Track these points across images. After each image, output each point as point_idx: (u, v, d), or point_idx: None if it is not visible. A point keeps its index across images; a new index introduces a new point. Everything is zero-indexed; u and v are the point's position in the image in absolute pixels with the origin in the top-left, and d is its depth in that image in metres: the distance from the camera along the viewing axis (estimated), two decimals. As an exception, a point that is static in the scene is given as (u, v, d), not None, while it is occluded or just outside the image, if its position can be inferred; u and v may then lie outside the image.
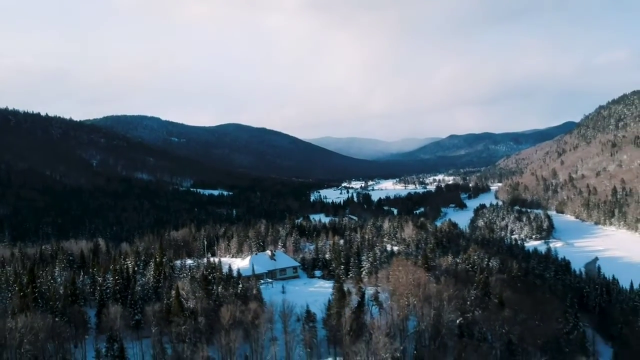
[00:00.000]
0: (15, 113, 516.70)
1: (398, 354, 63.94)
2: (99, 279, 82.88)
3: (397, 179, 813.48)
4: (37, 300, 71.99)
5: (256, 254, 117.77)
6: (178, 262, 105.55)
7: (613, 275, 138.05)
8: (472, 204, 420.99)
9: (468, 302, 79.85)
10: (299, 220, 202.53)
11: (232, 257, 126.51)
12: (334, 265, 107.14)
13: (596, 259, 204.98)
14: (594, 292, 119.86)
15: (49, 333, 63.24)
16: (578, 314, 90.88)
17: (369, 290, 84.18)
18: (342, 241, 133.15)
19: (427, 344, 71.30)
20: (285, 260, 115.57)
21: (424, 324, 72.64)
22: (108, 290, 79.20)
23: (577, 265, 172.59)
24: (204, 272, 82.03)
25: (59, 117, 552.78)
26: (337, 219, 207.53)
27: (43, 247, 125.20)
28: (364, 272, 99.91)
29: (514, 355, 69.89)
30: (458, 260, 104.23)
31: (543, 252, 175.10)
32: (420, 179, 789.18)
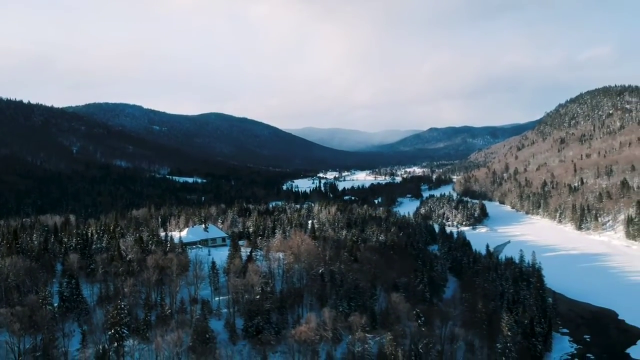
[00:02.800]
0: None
1: (268, 288, 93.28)
2: (65, 239, 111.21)
3: (371, 170, 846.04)
4: (19, 252, 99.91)
5: (193, 226, 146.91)
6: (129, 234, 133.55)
7: (493, 251, 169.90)
8: (431, 194, 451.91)
9: (338, 260, 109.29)
10: (253, 205, 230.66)
11: (180, 231, 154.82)
12: (253, 236, 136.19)
13: (508, 241, 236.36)
14: (467, 261, 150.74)
15: (27, 272, 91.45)
16: (425, 272, 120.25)
17: (264, 251, 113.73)
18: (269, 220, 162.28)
19: (297, 285, 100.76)
20: (216, 232, 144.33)
21: (296, 272, 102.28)
22: (71, 247, 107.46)
23: (493, 247, 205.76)
24: (140, 234, 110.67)
25: (41, 104, 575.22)
26: (280, 204, 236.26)
27: (24, 220, 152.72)
28: (276, 240, 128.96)
29: (360, 294, 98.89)
30: (349, 234, 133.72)
31: (456, 235, 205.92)
32: (392, 171, 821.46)
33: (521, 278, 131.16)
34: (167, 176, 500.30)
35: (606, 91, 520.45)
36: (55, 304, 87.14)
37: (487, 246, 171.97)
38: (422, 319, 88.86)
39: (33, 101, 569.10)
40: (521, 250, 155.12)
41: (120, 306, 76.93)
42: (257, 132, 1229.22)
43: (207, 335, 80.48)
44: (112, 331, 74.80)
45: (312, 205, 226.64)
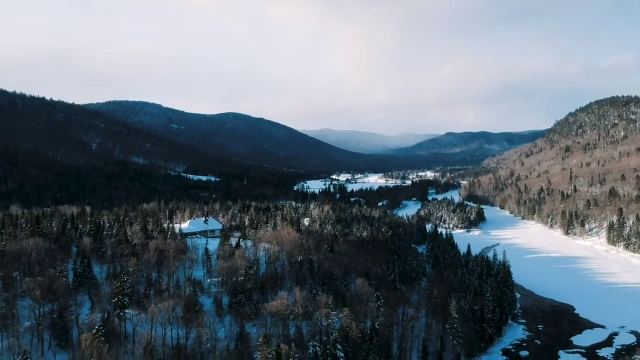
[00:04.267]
0: (22, 97, 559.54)
1: (252, 271, 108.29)
2: (80, 226, 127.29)
3: (383, 174, 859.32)
4: (40, 235, 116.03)
5: (194, 219, 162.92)
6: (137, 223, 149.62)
7: (480, 252, 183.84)
8: (436, 198, 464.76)
9: (317, 251, 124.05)
10: (255, 203, 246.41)
11: (183, 222, 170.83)
12: (248, 228, 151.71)
13: (497, 244, 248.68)
14: (443, 258, 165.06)
15: (47, 251, 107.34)
16: (395, 264, 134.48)
17: (252, 241, 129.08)
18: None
19: (279, 270, 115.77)
20: (215, 224, 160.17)
21: (276, 258, 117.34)
22: (85, 232, 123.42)
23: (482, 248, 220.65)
24: (146, 224, 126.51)
25: (63, 101, 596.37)
26: (281, 203, 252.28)
27: (44, 209, 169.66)
28: (267, 232, 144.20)
29: (333, 280, 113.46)
30: (333, 229, 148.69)
31: (444, 236, 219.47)
32: (404, 174, 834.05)
33: (488, 274, 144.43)
34: (182, 174, 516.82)
35: (613, 101, 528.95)
36: (70, 279, 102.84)
37: (469, 246, 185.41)
38: (381, 301, 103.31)
39: (55, 98, 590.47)
40: (494, 250, 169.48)
41: (123, 279, 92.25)
42: (273, 132, 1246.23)
43: (196, 307, 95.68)
44: (116, 299, 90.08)
45: (309, 204, 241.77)
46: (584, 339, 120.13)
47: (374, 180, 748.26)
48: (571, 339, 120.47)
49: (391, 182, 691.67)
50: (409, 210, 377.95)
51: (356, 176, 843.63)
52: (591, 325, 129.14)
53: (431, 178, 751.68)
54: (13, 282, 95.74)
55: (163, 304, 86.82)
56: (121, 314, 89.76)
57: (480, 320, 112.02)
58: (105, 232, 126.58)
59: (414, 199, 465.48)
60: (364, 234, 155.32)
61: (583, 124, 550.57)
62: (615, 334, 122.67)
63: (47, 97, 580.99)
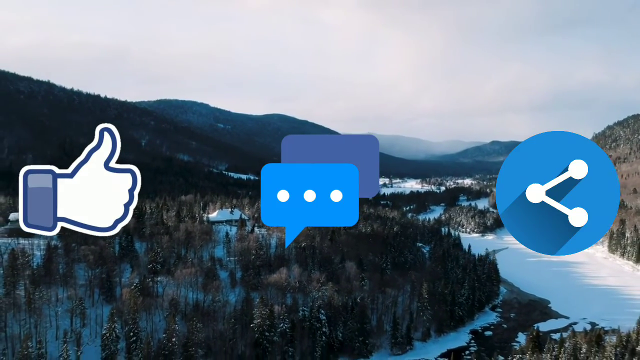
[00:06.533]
0: (79, 94, 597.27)
1: (261, 252, 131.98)
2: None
3: (420, 179, 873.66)
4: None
5: (222, 209, 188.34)
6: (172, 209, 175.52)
7: (487, 253, 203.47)
8: (462, 204, 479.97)
9: (323, 240, 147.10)
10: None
11: (214, 212, 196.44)
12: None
13: (506, 247, 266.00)
14: (437, 254, 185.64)
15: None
16: (388, 255, 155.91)
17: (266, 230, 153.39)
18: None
19: (286, 254, 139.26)
20: (239, 214, 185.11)
21: (283, 243, 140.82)
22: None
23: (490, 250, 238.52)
24: (179, 210, 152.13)
25: (116, 99, 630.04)
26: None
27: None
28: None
29: (330, 263, 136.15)
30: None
31: (454, 237, 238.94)
32: (441, 181, 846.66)
33: (474, 269, 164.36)
34: (224, 172, 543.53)
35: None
36: (116, 250, 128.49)
37: (469, 246, 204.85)
38: (365, 280, 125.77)
39: (109, 95, 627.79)
40: (487, 249, 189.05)
41: (157, 251, 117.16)
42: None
43: (214, 278, 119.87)
44: (150, 266, 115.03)
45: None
46: (545, 325, 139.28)
47: (410, 186, 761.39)
48: (534, 325, 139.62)
49: (426, 188, 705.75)
50: (435, 214, 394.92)
51: (394, 181, 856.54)
52: (557, 316, 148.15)
53: (467, 185, 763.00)
54: (72, 250, 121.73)
55: (187, 270, 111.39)
56: (154, 278, 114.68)
57: (451, 304, 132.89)
58: (146, 216, 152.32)
59: (442, 204, 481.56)
60: (368, 230, 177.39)
61: (618, 138, 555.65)
62: (575, 323, 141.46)
63: (102, 95, 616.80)
